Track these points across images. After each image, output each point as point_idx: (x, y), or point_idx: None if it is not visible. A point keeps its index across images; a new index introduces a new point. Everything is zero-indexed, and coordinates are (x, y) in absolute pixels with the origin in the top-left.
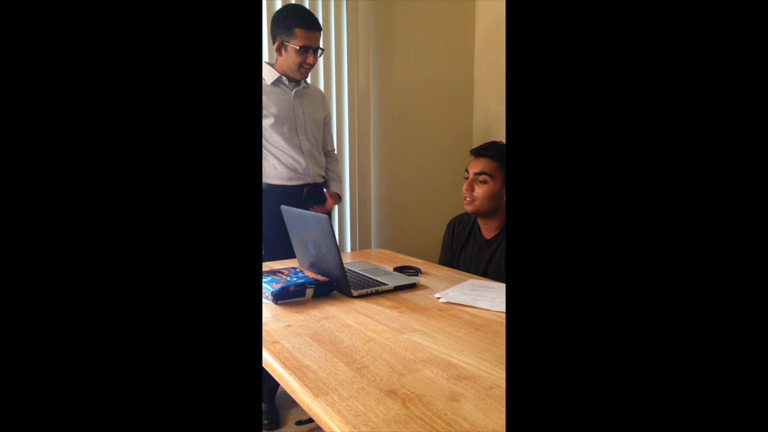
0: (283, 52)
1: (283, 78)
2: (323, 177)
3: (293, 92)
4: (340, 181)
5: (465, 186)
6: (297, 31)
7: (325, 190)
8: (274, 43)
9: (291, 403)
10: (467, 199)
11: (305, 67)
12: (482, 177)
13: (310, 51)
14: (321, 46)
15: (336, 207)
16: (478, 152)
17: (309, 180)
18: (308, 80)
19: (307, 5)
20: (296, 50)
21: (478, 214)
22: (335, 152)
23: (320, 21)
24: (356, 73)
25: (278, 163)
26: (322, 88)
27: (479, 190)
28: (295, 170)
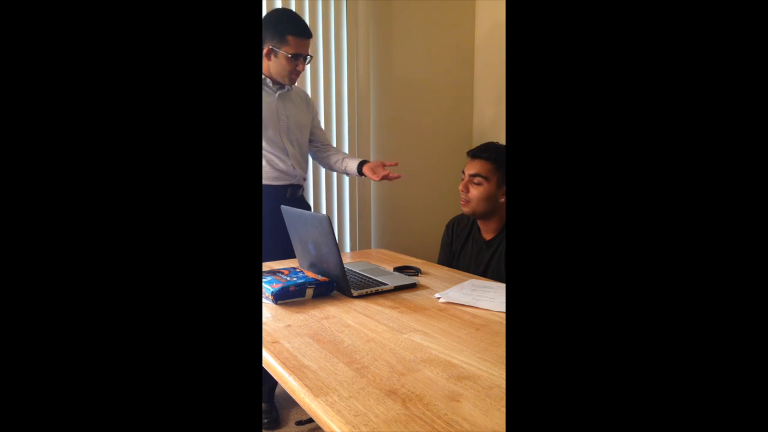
0: (272, 57)
1: (267, 80)
2: (305, 179)
3: (276, 95)
4: (352, 156)
5: (461, 187)
6: (290, 38)
7: (355, 167)
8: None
9: (291, 403)
10: (463, 200)
11: (295, 74)
12: (477, 179)
13: (300, 58)
14: (310, 53)
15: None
16: (474, 154)
17: (294, 181)
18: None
19: (306, 5)
20: (288, 58)
21: (475, 215)
22: (333, 145)
23: (320, 21)
24: (356, 74)
25: (263, 163)
26: (321, 88)
27: (474, 192)
28: (280, 170)
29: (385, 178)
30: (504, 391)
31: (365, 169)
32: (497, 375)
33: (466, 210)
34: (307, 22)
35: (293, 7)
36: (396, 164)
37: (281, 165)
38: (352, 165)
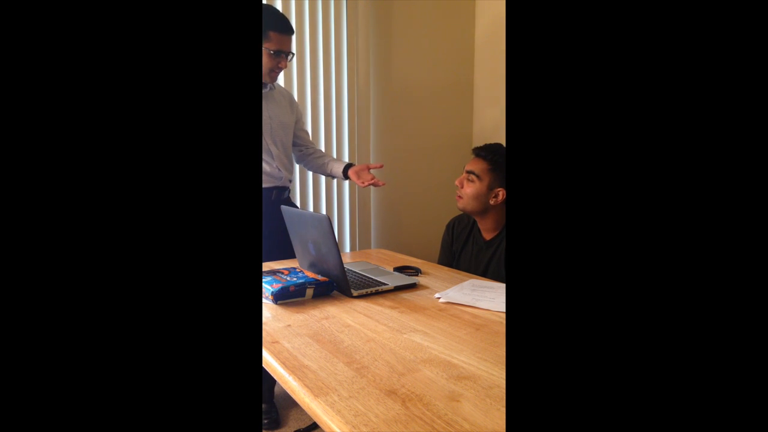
0: None
1: None
2: (290, 181)
3: None
4: (338, 159)
5: (456, 181)
6: (272, 34)
7: (341, 171)
8: None
9: (291, 403)
10: (457, 194)
11: (276, 71)
12: (471, 176)
13: (282, 55)
14: (293, 50)
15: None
16: (476, 152)
17: (279, 183)
18: (277, 81)
19: (307, 5)
20: (270, 54)
21: (466, 211)
22: (317, 147)
23: (320, 21)
24: (356, 74)
25: None
26: (321, 89)
27: (467, 189)
28: (264, 172)
29: (371, 184)
30: (504, 391)
31: (350, 173)
32: (497, 375)
33: (458, 205)
34: (307, 22)
35: (293, 8)
36: (381, 166)
37: (266, 167)
38: (338, 168)
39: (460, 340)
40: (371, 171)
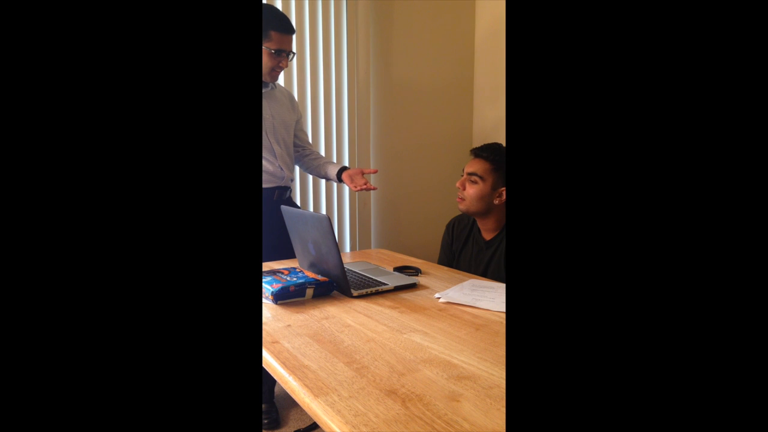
0: None
1: None
2: (292, 180)
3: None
4: (334, 161)
5: (458, 183)
6: (273, 34)
7: (335, 173)
8: None
9: (291, 403)
10: (459, 197)
11: (277, 70)
12: (473, 177)
13: (283, 54)
14: (294, 50)
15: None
16: (476, 153)
17: (282, 183)
18: (277, 81)
19: (307, 5)
20: (270, 53)
21: (469, 213)
22: (315, 149)
23: (320, 21)
24: (356, 74)
25: None
26: (321, 89)
27: (470, 190)
28: (267, 172)
29: (363, 189)
30: (504, 391)
31: (344, 176)
32: (497, 375)
33: (461, 207)
34: (307, 22)
35: (293, 8)
36: (375, 171)
37: (268, 167)
38: (332, 171)
39: (460, 340)
40: (365, 175)
